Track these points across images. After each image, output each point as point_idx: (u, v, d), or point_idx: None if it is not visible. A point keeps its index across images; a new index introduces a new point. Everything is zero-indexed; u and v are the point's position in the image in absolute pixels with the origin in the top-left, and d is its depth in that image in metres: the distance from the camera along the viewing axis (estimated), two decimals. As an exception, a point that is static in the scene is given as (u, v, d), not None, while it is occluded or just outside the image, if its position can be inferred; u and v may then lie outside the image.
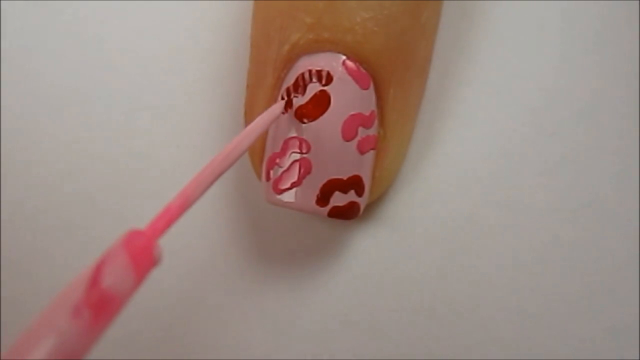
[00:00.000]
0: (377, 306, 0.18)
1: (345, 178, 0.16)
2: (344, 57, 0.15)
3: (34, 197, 0.18)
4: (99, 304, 0.10)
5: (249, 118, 0.17)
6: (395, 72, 0.16)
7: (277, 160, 0.16)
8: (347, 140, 0.15)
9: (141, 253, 0.11)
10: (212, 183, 0.13)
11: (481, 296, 0.17)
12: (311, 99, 0.15)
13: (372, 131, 0.16)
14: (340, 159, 0.15)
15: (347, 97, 0.15)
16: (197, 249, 0.18)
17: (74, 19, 0.19)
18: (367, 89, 0.16)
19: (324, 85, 0.15)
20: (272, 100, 0.16)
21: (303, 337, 0.17)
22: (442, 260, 0.18)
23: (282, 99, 0.16)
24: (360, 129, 0.16)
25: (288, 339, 0.17)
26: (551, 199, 0.18)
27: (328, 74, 0.15)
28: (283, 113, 0.16)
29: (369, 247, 0.18)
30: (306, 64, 0.15)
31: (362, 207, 0.16)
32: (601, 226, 0.18)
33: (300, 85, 0.15)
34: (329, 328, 0.17)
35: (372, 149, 0.16)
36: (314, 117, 0.15)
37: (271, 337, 0.17)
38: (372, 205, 0.18)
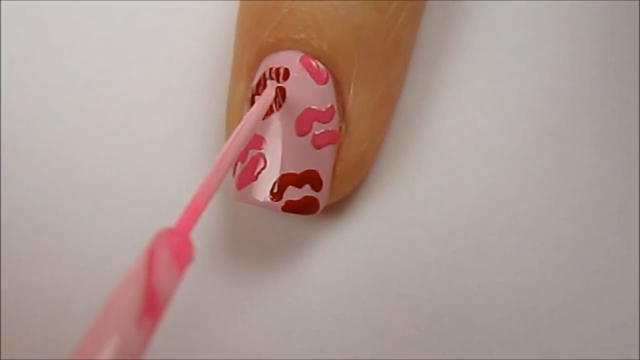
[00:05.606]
0: (376, 306, 0.17)
1: (298, 172, 0.16)
2: (301, 54, 0.16)
3: (34, 197, 0.18)
4: (153, 307, 0.10)
5: (229, 118, 0.17)
6: (357, 67, 0.16)
7: (241, 157, 0.16)
8: (301, 135, 0.16)
9: (181, 251, 0.11)
10: (225, 173, 0.13)
11: (481, 296, 0.17)
12: None
13: (331, 126, 0.16)
14: (293, 153, 0.16)
15: (303, 93, 0.16)
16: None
17: (74, 19, 0.20)
18: (324, 84, 0.16)
19: (281, 82, 0.16)
20: (246, 103, 0.16)
21: (302, 336, 0.17)
22: (442, 260, 0.17)
23: (250, 100, 0.16)
24: (315, 123, 0.16)
25: (287, 338, 0.17)
26: (551, 198, 0.18)
27: (285, 70, 0.16)
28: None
29: (370, 246, 0.18)
30: (268, 63, 0.16)
31: (321, 202, 0.16)
32: (601, 226, 0.17)
33: (261, 84, 0.16)
34: (328, 328, 0.17)
35: (330, 143, 0.16)
36: (269, 113, 0.16)
37: (270, 336, 0.17)
38: (374, 205, 0.18)
